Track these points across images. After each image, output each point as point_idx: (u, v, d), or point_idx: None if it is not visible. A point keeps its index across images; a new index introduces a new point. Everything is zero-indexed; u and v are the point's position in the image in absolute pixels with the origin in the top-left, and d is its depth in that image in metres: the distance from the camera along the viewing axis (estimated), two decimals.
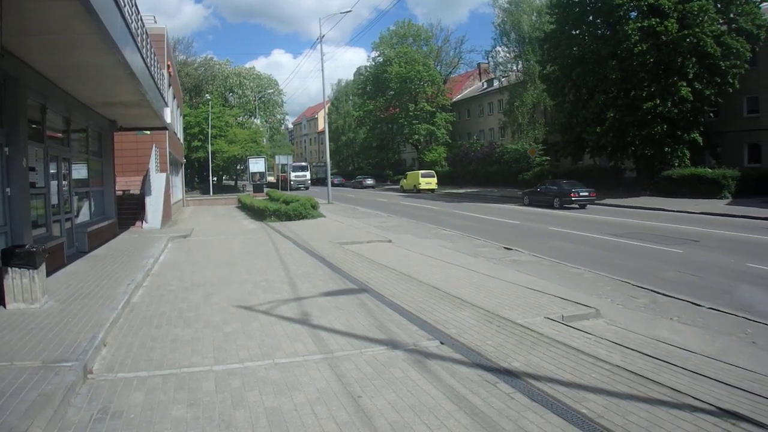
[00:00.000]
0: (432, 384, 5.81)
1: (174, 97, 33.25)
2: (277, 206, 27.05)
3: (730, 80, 33.28)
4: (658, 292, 11.11)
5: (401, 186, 59.59)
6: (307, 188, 68.11)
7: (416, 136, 68.49)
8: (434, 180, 55.23)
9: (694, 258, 14.96)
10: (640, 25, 32.92)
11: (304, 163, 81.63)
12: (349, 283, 11.33)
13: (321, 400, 5.40)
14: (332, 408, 5.23)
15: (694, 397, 5.46)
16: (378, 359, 6.61)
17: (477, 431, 4.75)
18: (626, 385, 5.78)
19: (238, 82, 76.26)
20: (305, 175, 73.20)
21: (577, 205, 31.11)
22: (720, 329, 8.84)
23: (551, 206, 32.01)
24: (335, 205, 38.04)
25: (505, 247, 17.28)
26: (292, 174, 67.90)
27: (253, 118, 76.35)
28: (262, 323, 8.30)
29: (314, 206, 27.00)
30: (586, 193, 31.44)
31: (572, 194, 31.25)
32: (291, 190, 55.69)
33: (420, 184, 54.92)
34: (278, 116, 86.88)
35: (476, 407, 5.22)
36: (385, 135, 73.80)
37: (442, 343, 7.20)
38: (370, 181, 71.35)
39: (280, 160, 55.96)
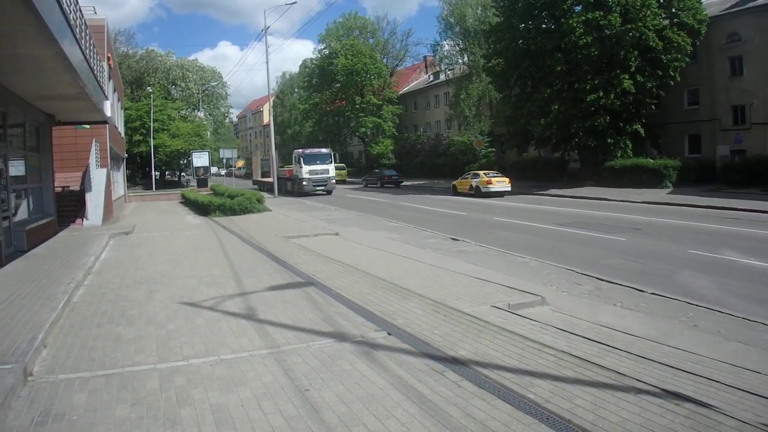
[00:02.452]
0: (380, 375, 5.78)
1: (114, 90, 32.26)
2: (221, 201, 26.61)
3: (672, 73, 34.18)
4: (602, 279, 11.33)
5: None
6: (329, 192, 42.81)
7: (363, 129, 68.29)
8: (344, 173, 62.65)
9: (637, 245, 15.33)
10: (584, 18, 33.45)
11: (325, 150, 45.62)
12: (296, 276, 11.20)
13: (268, 395, 5.32)
14: (279, 402, 5.15)
15: (638, 380, 5.54)
16: (325, 352, 6.54)
17: (425, 420, 4.74)
18: (572, 370, 5.84)
19: (181, 74, 74.48)
20: (327, 170, 42.91)
21: (394, 185, 48.80)
22: (663, 313, 9.06)
23: (378, 186, 49.35)
24: (282, 199, 37.84)
25: (452, 238, 17.38)
26: (306, 168, 42.01)
27: (196, 111, 74.78)
28: (207, 319, 8.14)
29: (260, 200, 26.69)
30: (396, 176, 50.68)
31: (386, 177, 50.45)
32: (303, 194, 41.23)
33: (343, 176, 61.22)
34: (222, 109, 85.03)
35: (424, 396, 5.21)
36: (331, 128, 73.13)
37: (389, 334, 7.17)
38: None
39: (225, 153, 53.90)
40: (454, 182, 38.14)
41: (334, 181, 43.79)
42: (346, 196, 41.30)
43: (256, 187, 52.14)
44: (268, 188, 46.42)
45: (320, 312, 8.35)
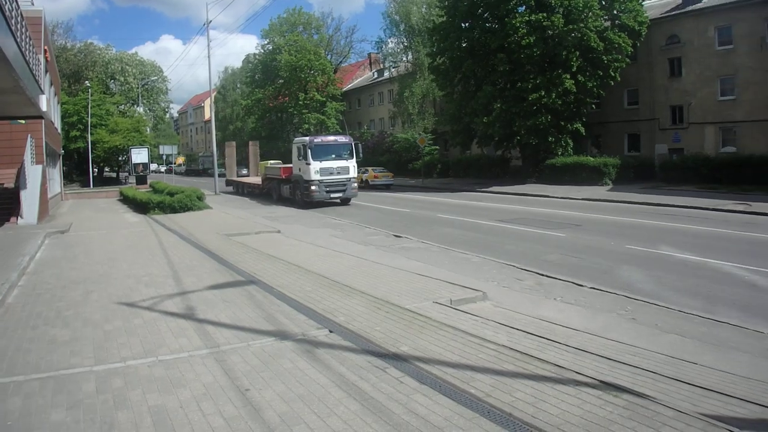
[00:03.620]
0: (321, 373, 5.74)
1: (51, 84, 31.26)
2: (161, 198, 25.97)
3: (612, 74, 34.95)
4: (542, 274, 11.53)
5: None
6: (347, 200, 29.82)
7: (306, 126, 67.69)
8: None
9: (577, 241, 15.64)
10: (527, 19, 33.90)
11: (343, 138, 31.80)
12: (237, 275, 11.04)
13: (207, 396, 5.23)
14: (219, 403, 5.08)
15: (577, 372, 5.62)
16: (266, 351, 6.47)
17: (367, 417, 4.73)
18: (512, 364, 5.89)
19: (120, 68, 72.52)
20: (347, 168, 29.15)
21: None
22: (601, 307, 9.27)
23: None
24: (223, 196, 37.23)
25: (394, 235, 17.38)
26: (315, 165, 28.10)
27: (135, 106, 72.67)
28: (145, 320, 7.96)
29: (200, 198, 26.20)
30: (245, 172, 51.44)
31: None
32: (310, 204, 28.41)
33: None
34: (162, 104, 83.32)
35: (366, 393, 5.20)
36: (274, 124, 72.28)
37: (331, 332, 7.13)
38: (244, 171, 70.14)
39: (165, 150, 52.37)
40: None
41: (355, 184, 29.27)
42: None
43: (231, 189, 42.35)
44: (249, 191, 37.66)
45: (261, 311, 8.25)
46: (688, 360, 6.61)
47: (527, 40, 33.44)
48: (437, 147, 51.61)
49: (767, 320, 8.42)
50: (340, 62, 78.96)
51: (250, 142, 50.79)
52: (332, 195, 28.41)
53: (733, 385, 5.83)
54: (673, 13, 36.39)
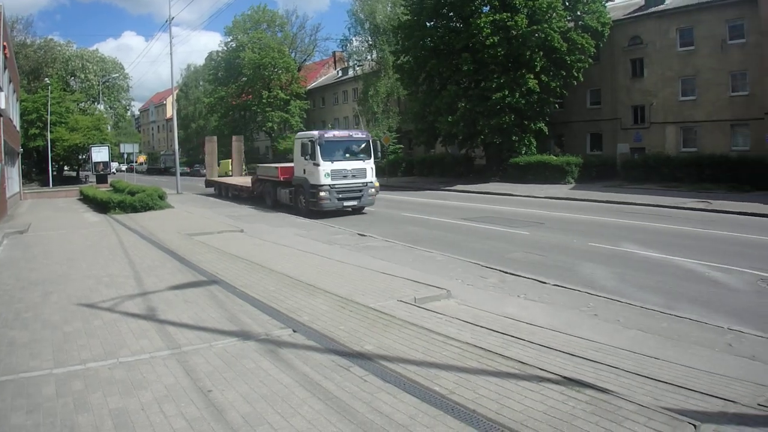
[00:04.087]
0: (285, 372, 5.73)
1: (10, 81, 30.63)
2: (121, 197, 25.55)
3: (575, 74, 35.42)
4: (506, 272, 11.61)
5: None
6: (361, 208, 24.52)
7: (270, 124, 67.41)
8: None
9: (540, 239, 15.80)
10: (492, 19, 34.14)
11: (359, 134, 25.50)
12: (199, 275, 10.93)
13: (169, 398, 5.19)
14: (181, 404, 5.05)
15: (540, 368, 5.67)
16: (229, 351, 6.44)
17: (331, 416, 4.74)
18: (476, 361, 5.93)
19: (80, 65, 71.11)
20: (363, 171, 23.68)
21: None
22: (564, 304, 9.37)
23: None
24: (185, 195, 36.65)
25: (359, 234, 17.36)
26: (325, 166, 22.74)
27: (96, 104, 71.37)
28: (106, 321, 7.86)
29: (162, 197, 25.85)
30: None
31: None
32: (318, 213, 23.14)
33: (230, 170, 58.30)
34: (124, 102, 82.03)
35: (330, 392, 5.22)
36: (237, 123, 71.62)
37: (294, 331, 7.10)
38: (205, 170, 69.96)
39: (126, 148, 51.28)
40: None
41: (373, 190, 23.98)
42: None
43: (213, 190, 37.35)
44: (235, 194, 32.58)
45: (224, 311, 8.20)
46: (650, 355, 6.69)
47: (491, 40, 33.68)
48: (401, 146, 51.76)
49: (728, 316, 8.59)
50: (305, 60, 78.73)
51: (234, 137, 45.15)
52: (345, 203, 22.94)
53: (695, 379, 5.90)
54: (636, 14, 37.05)
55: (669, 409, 4.83)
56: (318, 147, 22.40)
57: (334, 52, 77.04)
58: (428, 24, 38.86)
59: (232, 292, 9.33)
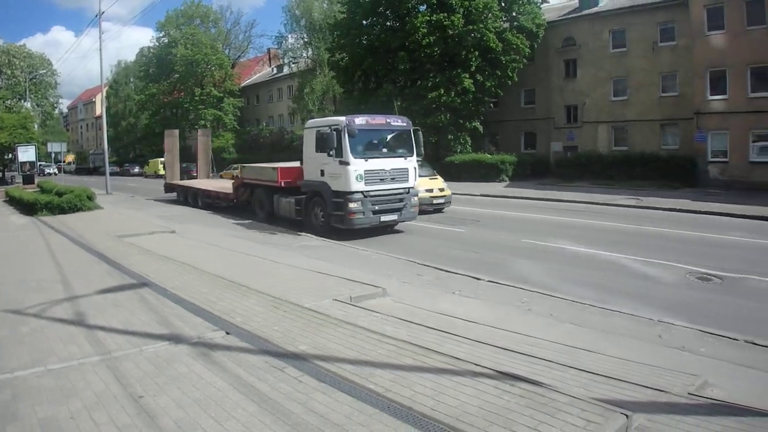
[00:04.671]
0: (218, 376, 5.64)
1: None
2: (49, 198, 24.65)
3: (510, 74, 36.13)
4: (441, 269, 11.70)
5: (144, 172, 64.36)
6: (393, 223, 17.56)
7: (202, 122, 66.05)
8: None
9: (475, 236, 16.10)
10: (428, 18, 34.54)
11: (398, 121, 17.76)
12: (129, 278, 10.59)
13: (100, 405, 5.04)
14: (112, 412, 4.91)
15: (475, 364, 5.73)
16: (160, 356, 6.29)
17: (265, 418, 4.71)
18: (412, 358, 5.95)
19: (6, 61, 68.40)
20: (404, 172, 17.17)
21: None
22: (499, 300, 9.52)
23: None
24: (115, 196, 35.55)
25: (294, 233, 17.20)
26: (358, 165, 16.04)
27: (23, 101, 68.85)
28: (33, 327, 7.55)
29: (90, 197, 25.05)
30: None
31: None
32: (353, 226, 16.40)
33: (159, 169, 58.01)
34: (51, 100, 79.32)
35: (264, 394, 5.17)
36: (169, 120, 69.84)
37: (227, 333, 7.00)
38: (136, 169, 69.25)
39: (53, 147, 49.10)
40: (221, 173, 41.54)
41: (416, 199, 17.89)
42: None
43: (176, 195, 30.23)
44: (208, 202, 26.00)
45: (155, 314, 7.99)
46: (584, 348, 6.85)
47: (428, 40, 34.11)
48: None
49: (658, 308, 8.91)
50: (239, 57, 77.67)
51: (200, 131, 38.13)
52: (383, 218, 16.61)
53: (627, 370, 6.08)
54: (570, 16, 38.14)
55: (601, 400, 4.95)
56: (346, 138, 15.89)
57: (269, 49, 76.31)
58: (364, 22, 38.94)
59: (164, 295, 9.10)
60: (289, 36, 59.18)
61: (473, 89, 34.80)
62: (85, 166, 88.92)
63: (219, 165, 47.80)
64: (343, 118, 16.38)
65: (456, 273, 11.36)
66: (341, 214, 16.08)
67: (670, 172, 29.14)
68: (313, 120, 20.54)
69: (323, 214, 17.00)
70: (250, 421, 4.66)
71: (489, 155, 36.18)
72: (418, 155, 17.66)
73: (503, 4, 36.53)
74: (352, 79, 40.60)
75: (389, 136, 17.31)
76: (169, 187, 31.45)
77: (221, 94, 66.22)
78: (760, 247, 14.28)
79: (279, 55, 68.68)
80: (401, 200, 16.89)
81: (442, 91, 34.30)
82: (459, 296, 9.72)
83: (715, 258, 12.69)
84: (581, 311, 8.81)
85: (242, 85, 72.21)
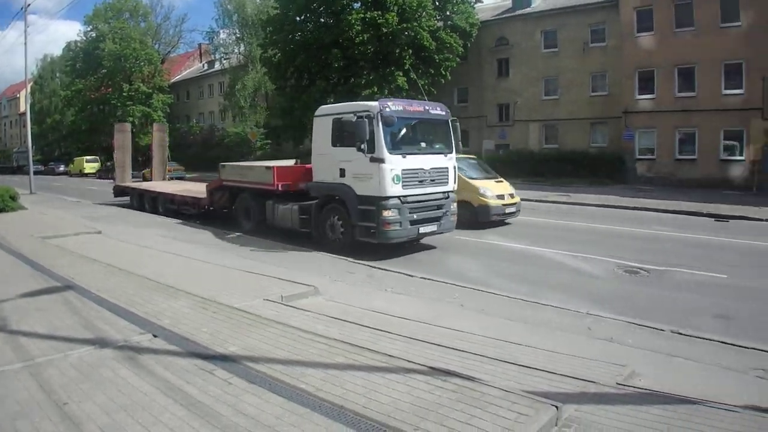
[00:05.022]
0: (145, 380, 5.49)
1: None
2: None
3: (443, 72, 36.72)
4: (373, 267, 11.78)
5: (69, 170, 64.52)
6: (438, 232, 14.26)
7: (131, 119, 64.44)
8: (97, 164, 61.27)
9: None
10: (362, 15, 34.63)
11: (437, 110, 14.33)
12: (53, 280, 10.18)
13: (22, 414, 4.83)
14: (35, 420, 4.71)
15: (408, 360, 5.76)
16: (85, 361, 6.06)
17: (194, 422, 4.62)
18: (344, 357, 5.94)
19: None
20: (446, 171, 14.12)
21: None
22: (431, 296, 9.64)
23: None
24: (39, 195, 34.26)
25: (224, 232, 16.94)
26: (396, 165, 12.80)
27: None
28: None
29: (13, 197, 24.00)
30: None
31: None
32: (389, 239, 13.03)
33: (84, 168, 60.79)
34: None
35: (193, 397, 5.06)
36: (96, 117, 68.02)
37: (155, 336, 6.82)
38: (62, 168, 67.85)
39: None
40: (144, 171, 37.86)
41: (455, 205, 14.76)
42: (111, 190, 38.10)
43: (129, 200, 25.82)
44: (172, 207, 21.94)
45: (80, 318, 7.70)
46: (515, 341, 6.99)
47: (361, 37, 34.23)
48: (269, 141, 51.25)
49: (587, 301, 9.21)
50: (169, 52, 76.20)
51: (156, 125, 33.87)
52: (422, 229, 13.59)
53: (557, 362, 6.23)
54: (503, 16, 39.11)
55: (532, 392, 5.04)
56: (380, 128, 12.70)
57: (200, 45, 75.18)
58: (298, 18, 38.76)
59: (89, 298, 8.78)
60: (221, 31, 58.52)
61: (407, 87, 34.96)
62: (9, 165, 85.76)
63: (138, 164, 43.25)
64: (374, 103, 13.25)
65: (388, 270, 11.48)
66: (372, 226, 12.82)
67: (600, 170, 30.16)
68: (327, 105, 16.66)
69: (342, 225, 13.71)
70: (179, 425, 4.56)
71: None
72: (456, 151, 14.89)
73: (437, 3, 36.96)
74: (285, 76, 40.38)
75: (428, 128, 14.56)
76: (119, 191, 27.09)
77: (150, 91, 64.82)
78: (685, 240, 14.95)
79: (210, 51, 67.67)
80: (440, 207, 13.95)
81: (376, 89, 34.32)
82: (392, 293, 9.79)
83: (642, 251, 13.16)
84: (513, 306, 9.01)
85: (172, 81, 70.92)
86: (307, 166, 15.80)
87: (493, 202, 16.90)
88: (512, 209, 17.54)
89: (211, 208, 19.67)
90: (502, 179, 18.58)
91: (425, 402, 4.81)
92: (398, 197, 12.75)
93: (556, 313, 8.67)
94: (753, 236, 15.85)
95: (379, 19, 34.05)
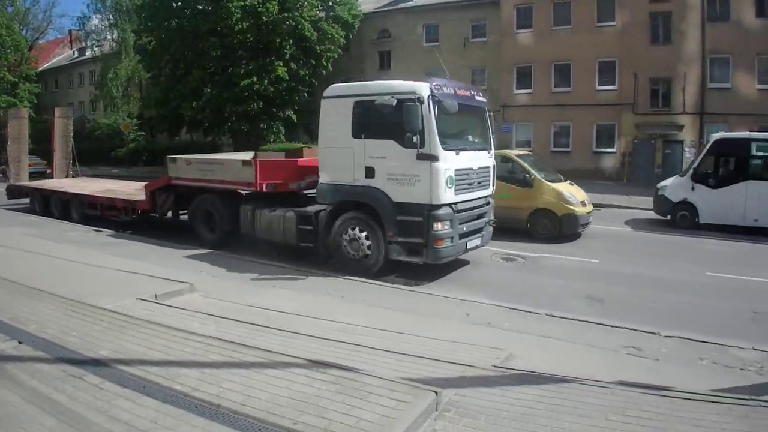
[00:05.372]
0: (10, 390, 5.21)
1: None
2: None
3: (325, 63, 36.97)
4: (254, 261, 11.64)
5: None
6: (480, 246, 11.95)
7: None
8: None
9: None
10: (242, 4, 34.19)
11: (480, 97, 12.02)
12: None
13: None
14: None
15: (287, 354, 5.78)
16: None
17: (65, 431, 4.48)
18: (220, 354, 5.88)
19: None
20: (488, 171, 11.94)
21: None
22: (311, 289, 9.70)
23: None
24: None
25: (94, 229, 16.21)
26: (450, 165, 10.27)
27: None
28: None
29: None
30: None
31: None
32: (440, 259, 10.61)
33: None
34: None
35: (62, 405, 4.87)
36: None
37: (20, 343, 6.45)
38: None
39: None
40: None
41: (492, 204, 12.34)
42: None
43: (30, 203, 21.07)
44: (93, 214, 17.63)
45: None
46: (395, 331, 7.18)
47: (241, 26, 33.88)
48: (143, 133, 49.58)
49: (465, 288, 9.67)
50: (37, 39, 71.51)
51: (57, 110, 27.84)
52: (469, 243, 11.31)
53: (436, 349, 6.44)
54: (386, 8, 39.71)
55: (411, 379, 5.20)
56: (432, 116, 10.09)
57: (70, 31, 71.16)
58: (175, 5, 37.64)
59: None
60: (94, 17, 55.92)
61: (287, 78, 35.06)
62: None
63: None
64: (423, 84, 10.30)
65: (271, 264, 11.38)
66: (417, 242, 10.26)
67: None
68: (342, 84, 13.32)
69: (370, 239, 10.79)
70: None
71: (302, 144, 36.51)
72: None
73: None
74: (160, 64, 39.15)
75: (470, 118, 11.93)
76: (15, 191, 21.84)
77: (16, 79, 60.78)
78: None
79: (81, 38, 64.38)
80: (482, 215, 11.74)
81: (255, 79, 34.16)
82: (272, 288, 9.75)
83: (518, 239, 13.76)
84: (392, 296, 9.26)
85: (40, 69, 67.01)
86: (301, 160, 13.71)
87: (579, 210, 14.53)
88: (589, 219, 15.09)
89: (150, 214, 16.11)
90: (569, 180, 16.03)
91: (304, 395, 4.85)
92: (449, 205, 10.35)
93: (435, 301, 9.01)
94: (622, 224, 16.97)
95: (260, 7, 33.79)
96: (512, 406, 4.97)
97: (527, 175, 14.65)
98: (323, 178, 11.35)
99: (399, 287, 9.64)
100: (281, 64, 34.73)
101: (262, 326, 6.95)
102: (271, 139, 37.18)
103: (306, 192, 12.85)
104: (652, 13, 29.65)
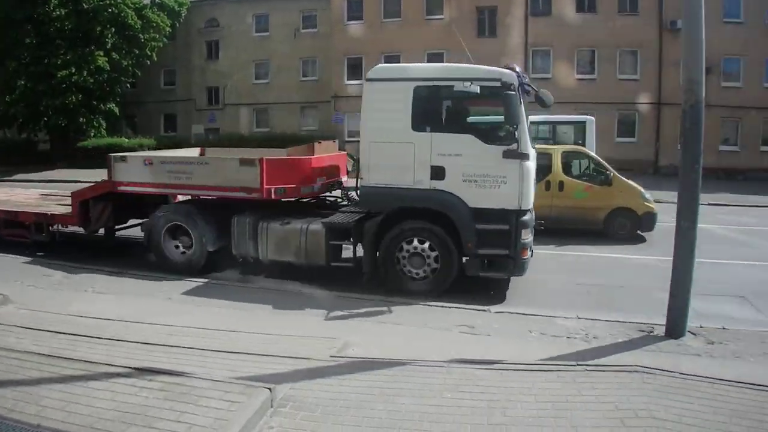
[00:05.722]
0: None
1: None
2: None
3: (149, 53, 35.53)
4: (72, 266, 10.79)
5: None
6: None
7: None
8: None
9: None
10: None
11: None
12: None
13: None
14: None
15: (110, 364, 5.57)
16: None
17: None
18: (38, 370, 5.55)
19: None
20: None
21: None
22: (137, 292, 9.29)
23: None
24: None
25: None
26: (532, 166, 9.08)
27: None
28: None
29: None
30: None
31: None
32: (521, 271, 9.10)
33: None
34: None
35: None
36: None
37: None
38: None
39: None
40: None
41: None
42: None
43: None
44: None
45: None
46: (227, 329, 7.09)
47: (58, 12, 31.89)
48: None
49: (303, 279, 9.60)
50: None
51: None
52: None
53: (271, 344, 6.47)
54: None
55: (244, 378, 5.23)
56: (522, 107, 8.89)
57: None
58: None
59: None
60: None
61: (108, 68, 33.44)
62: None
63: None
64: (507, 71, 8.78)
65: (85, 267, 10.66)
66: (501, 254, 8.85)
67: None
68: (393, 65, 12.30)
69: (438, 254, 9.01)
70: None
71: (126, 139, 35.23)
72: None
73: None
74: None
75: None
76: None
77: None
78: None
79: None
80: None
81: (74, 70, 32.21)
82: (92, 293, 9.23)
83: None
84: (225, 291, 9.18)
85: None
86: (315, 158, 10.89)
87: (648, 205, 13.66)
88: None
89: (86, 230, 11.96)
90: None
91: (130, 405, 4.72)
92: (529, 211, 9.10)
93: (272, 294, 9.02)
94: None
95: None
96: (349, 394, 5.13)
97: (607, 173, 13.87)
98: (370, 180, 9.29)
99: (229, 284, 9.59)
100: (102, 53, 33.03)
101: (83, 336, 6.56)
102: (92, 134, 35.35)
103: (302, 198, 10.98)
104: (479, 7, 31.72)
